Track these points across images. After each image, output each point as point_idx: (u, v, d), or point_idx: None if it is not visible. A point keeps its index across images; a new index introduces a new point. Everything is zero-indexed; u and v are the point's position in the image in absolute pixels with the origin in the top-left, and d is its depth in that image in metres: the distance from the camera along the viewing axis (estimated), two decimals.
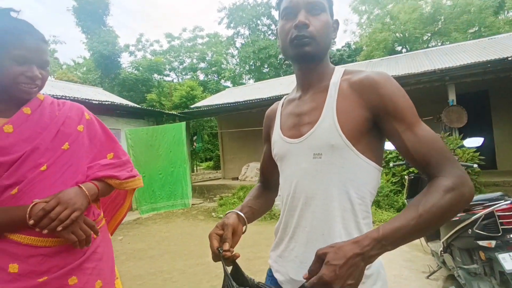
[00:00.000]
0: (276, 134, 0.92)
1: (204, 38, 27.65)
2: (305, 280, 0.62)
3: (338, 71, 0.85)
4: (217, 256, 0.79)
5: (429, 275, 2.97)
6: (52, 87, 9.15)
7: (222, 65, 26.08)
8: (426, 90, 7.85)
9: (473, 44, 9.98)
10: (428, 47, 16.76)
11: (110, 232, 1.25)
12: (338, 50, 21.90)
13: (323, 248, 0.62)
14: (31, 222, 0.87)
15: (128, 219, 6.86)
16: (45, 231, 0.88)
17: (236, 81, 24.21)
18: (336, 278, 0.58)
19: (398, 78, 7.61)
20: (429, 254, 3.26)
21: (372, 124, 0.77)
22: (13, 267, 0.88)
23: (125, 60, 29.54)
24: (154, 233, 5.80)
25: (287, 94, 1.01)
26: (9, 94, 0.98)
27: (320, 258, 0.62)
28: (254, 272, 0.90)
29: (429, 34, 19.11)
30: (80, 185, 1.01)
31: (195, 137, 13.24)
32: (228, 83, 24.74)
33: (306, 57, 0.82)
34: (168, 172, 5.43)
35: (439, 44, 17.94)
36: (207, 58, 26.61)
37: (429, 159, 0.70)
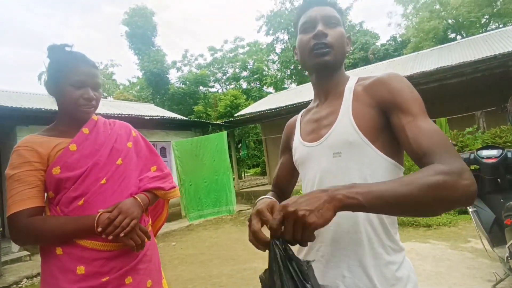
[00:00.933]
0: (297, 141, 0.96)
1: (245, 47, 28.37)
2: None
3: (353, 79, 0.90)
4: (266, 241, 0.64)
5: (496, 284, 2.68)
6: (111, 107, 10.13)
7: (264, 72, 26.42)
8: (486, 79, 7.13)
9: None
10: (486, 31, 15.20)
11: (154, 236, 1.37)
12: (382, 45, 20.87)
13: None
14: (99, 229, 1.00)
15: (181, 226, 7.26)
16: (110, 237, 1.02)
17: (278, 86, 24.33)
18: (292, 204, 0.57)
19: (451, 68, 7.03)
20: (496, 260, 2.95)
21: (386, 120, 0.78)
22: (80, 269, 1.02)
23: (173, 76, 31.43)
24: (204, 239, 6.06)
25: None
26: (71, 116, 1.15)
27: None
28: None
29: (487, 17, 17.31)
30: (135, 196, 1.14)
31: (240, 145, 13.57)
32: (271, 89, 24.96)
33: (326, 66, 0.87)
34: (212, 180, 5.67)
35: (500, 26, 16.14)
36: (248, 67, 27.19)
37: (427, 149, 0.67)
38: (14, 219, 1.00)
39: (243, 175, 19.85)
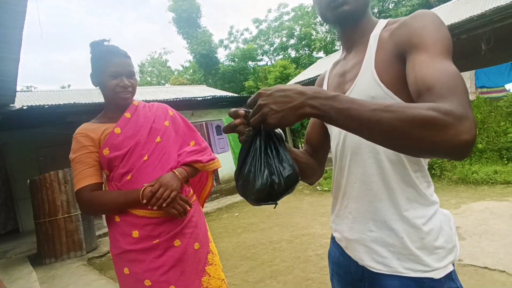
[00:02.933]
0: None
1: (290, 13, 27.11)
2: None
3: (381, 24, 0.81)
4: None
5: None
6: (167, 93, 10.79)
7: (312, 37, 25.14)
8: None
9: None
10: None
11: (201, 205, 1.50)
12: None
13: None
14: (144, 201, 1.16)
15: (242, 198, 7.64)
16: (154, 208, 1.16)
17: (329, 50, 23.02)
18: (267, 96, 0.61)
19: None
20: None
21: None
22: (135, 233, 1.20)
23: (221, 54, 31.92)
24: (264, 208, 6.28)
25: None
26: (113, 103, 1.30)
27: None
28: None
29: None
30: (174, 170, 1.26)
31: None
32: (321, 54, 23.76)
33: (346, 17, 0.79)
34: None
35: None
36: (295, 33, 26.10)
37: (433, 88, 0.57)
38: (79, 194, 1.20)
39: (300, 146, 19.76)
